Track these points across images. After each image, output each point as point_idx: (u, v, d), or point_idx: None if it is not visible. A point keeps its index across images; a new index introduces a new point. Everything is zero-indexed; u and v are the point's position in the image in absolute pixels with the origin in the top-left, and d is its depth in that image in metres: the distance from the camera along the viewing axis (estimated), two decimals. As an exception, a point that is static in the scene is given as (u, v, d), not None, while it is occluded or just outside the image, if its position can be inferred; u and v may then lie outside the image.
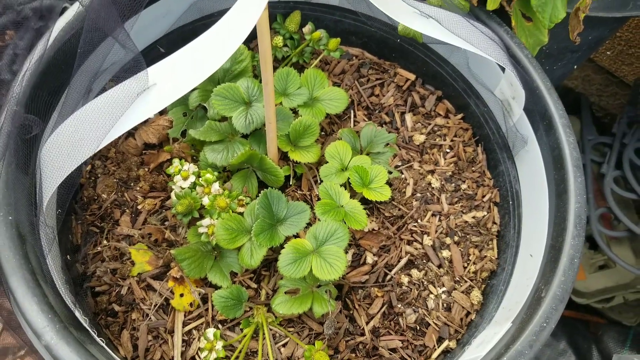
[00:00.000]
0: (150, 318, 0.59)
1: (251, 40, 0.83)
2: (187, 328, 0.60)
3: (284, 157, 0.73)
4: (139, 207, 0.66)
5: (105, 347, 0.47)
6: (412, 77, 0.82)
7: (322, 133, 0.78)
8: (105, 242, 0.63)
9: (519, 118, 0.68)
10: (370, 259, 0.68)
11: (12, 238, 0.45)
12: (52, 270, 0.47)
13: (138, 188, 0.67)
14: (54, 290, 0.47)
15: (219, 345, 0.56)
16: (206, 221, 0.61)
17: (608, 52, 1.51)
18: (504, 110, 0.71)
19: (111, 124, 0.43)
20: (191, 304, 0.61)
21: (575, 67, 1.08)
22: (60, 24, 0.59)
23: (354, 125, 0.79)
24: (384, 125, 0.79)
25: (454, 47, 0.62)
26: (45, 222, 0.44)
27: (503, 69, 0.68)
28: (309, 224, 0.64)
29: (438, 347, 0.62)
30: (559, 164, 0.61)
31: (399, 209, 0.72)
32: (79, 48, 0.52)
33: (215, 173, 0.64)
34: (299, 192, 0.72)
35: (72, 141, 0.44)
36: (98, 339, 0.47)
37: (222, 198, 0.60)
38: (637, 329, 1.26)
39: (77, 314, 0.47)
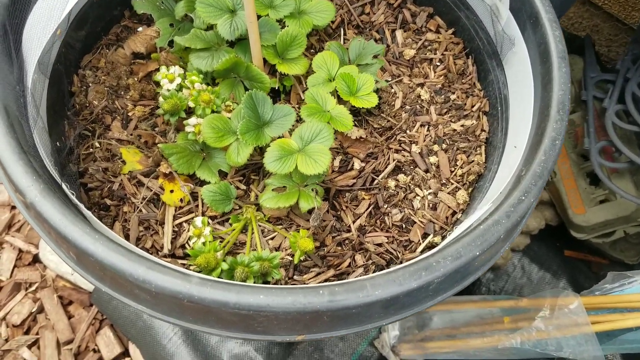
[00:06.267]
0: (141, 211, 0.61)
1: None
2: (177, 221, 0.61)
3: (272, 71, 0.74)
4: (129, 114, 0.67)
5: (92, 215, 0.48)
6: (402, -5, 0.82)
7: (312, 50, 0.78)
8: (96, 144, 0.65)
9: (506, 20, 0.68)
10: (357, 165, 0.69)
11: (-2, 109, 0.47)
12: (39, 146, 0.49)
13: (128, 97, 0.68)
14: (40, 163, 0.49)
15: (207, 230, 0.57)
16: (192, 120, 0.62)
17: (617, -2, 1.48)
18: (492, 16, 0.70)
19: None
20: (181, 200, 0.62)
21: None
22: None
23: (344, 42, 0.79)
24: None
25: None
26: (33, 87, 0.45)
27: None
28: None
29: (423, 242, 0.63)
30: (545, 57, 0.61)
31: (388, 121, 0.73)
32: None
33: (201, 76, 0.65)
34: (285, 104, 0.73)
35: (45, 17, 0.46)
36: (84, 209, 0.48)
37: (206, 93, 0.61)
38: (639, 267, 1.25)
39: (64, 186, 0.49)
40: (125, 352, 1.04)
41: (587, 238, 1.16)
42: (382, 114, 0.73)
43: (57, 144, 0.58)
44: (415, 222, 0.65)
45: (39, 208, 0.43)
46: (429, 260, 0.47)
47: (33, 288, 1.10)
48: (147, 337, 1.00)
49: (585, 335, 0.83)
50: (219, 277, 0.55)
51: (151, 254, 0.59)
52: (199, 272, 0.55)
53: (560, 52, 0.60)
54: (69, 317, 1.07)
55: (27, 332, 1.05)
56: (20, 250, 1.13)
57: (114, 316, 1.03)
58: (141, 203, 0.60)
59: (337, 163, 0.69)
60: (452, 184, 0.68)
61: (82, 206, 0.48)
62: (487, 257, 0.52)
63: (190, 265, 0.58)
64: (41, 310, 1.07)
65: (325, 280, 0.61)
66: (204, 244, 0.57)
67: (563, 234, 1.22)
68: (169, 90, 0.63)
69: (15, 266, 1.12)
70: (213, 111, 0.62)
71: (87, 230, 0.43)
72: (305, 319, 0.45)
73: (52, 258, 1.09)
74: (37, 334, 1.05)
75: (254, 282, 0.56)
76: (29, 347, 1.03)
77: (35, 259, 1.13)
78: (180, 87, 0.64)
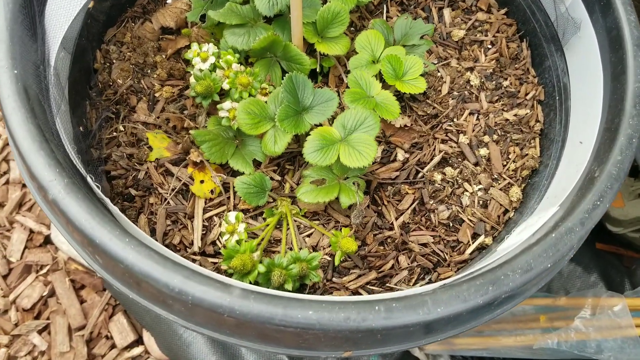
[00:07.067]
0: (168, 203, 0.56)
1: None
2: (207, 215, 0.56)
3: (310, 51, 0.68)
4: (156, 94, 0.62)
5: (120, 213, 0.43)
6: (450, -30, 0.75)
7: (352, 28, 0.72)
8: (121, 127, 0.59)
9: (571, 1, 0.61)
10: (401, 155, 0.63)
11: (18, 92, 0.42)
12: (61, 132, 0.44)
13: (155, 75, 0.62)
14: (63, 153, 0.43)
15: (241, 227, 0.52)
16: (227, 104, 0.57)
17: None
18: (554, -5, 0.64)
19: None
20: (212, 192, 0.57)
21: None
22: None
23: (387, 21, 0.73)
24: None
25: None
26: (56, 70, 0.40)
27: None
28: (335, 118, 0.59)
29: (472, 243, 0.58)
30: (617, 44, 0.55)
31: (434, 108, 0.67)
32: None
33: (237, 55, 0.59)
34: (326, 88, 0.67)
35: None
36: (111, 206, 0.43)
37: (244, 75, 0.55)
38: (675, 263, 1.20)
39: (89, 179, 0.44)
40: (139, 340, 1.01)
41: (623, 232, 1.11)
42: (427, 100, 0.67)
43: (81, 128, 0.53)
44: (464, 221, 0.60)
45: (62, 206, 0.38)
46: (496, 272, 0.42)
47: (44, 271, 1.06)
48: (162, 326, 0.96)
49: (629, 339, 0.78)
50: (255, 281, 0.50)
51: (179, 250, 0.55)
52: (231, 274, 0.50)
53: (635, 39, 0.54)
54: (81, 302, 1.03)
55: (37, 317, 1.01)
56: (31, 231, 1.09)
57: (128, 302, 0.99)
58: (169, 194, 0.55)
59: (379, 153, 0.63)
60: (505, 179, 0.62)
61: (109, 202, 0.43)
62: (553, 268, 0.47)
63: (221, 265, 0.53)
64: (52, 294, 1.04)
65: (367, 284, 0.56)
66: (237, 242, 0.52)
67: (595, 226, 1.17)
68: (201, 70, 0.57)
69: (25, 247, 1.08)
70: (250, 95, 0.57)
71: (116, 233, 0.38)
72: (356, 337, 0.41)
73: (64, 240, 1.05)
74: (47, 318, 1.01)
75: (292, 286, 0.51)
76: (40, 332, 1.00)
77: (47, 240, 1.08)
78: (213, 67, 0.58)
